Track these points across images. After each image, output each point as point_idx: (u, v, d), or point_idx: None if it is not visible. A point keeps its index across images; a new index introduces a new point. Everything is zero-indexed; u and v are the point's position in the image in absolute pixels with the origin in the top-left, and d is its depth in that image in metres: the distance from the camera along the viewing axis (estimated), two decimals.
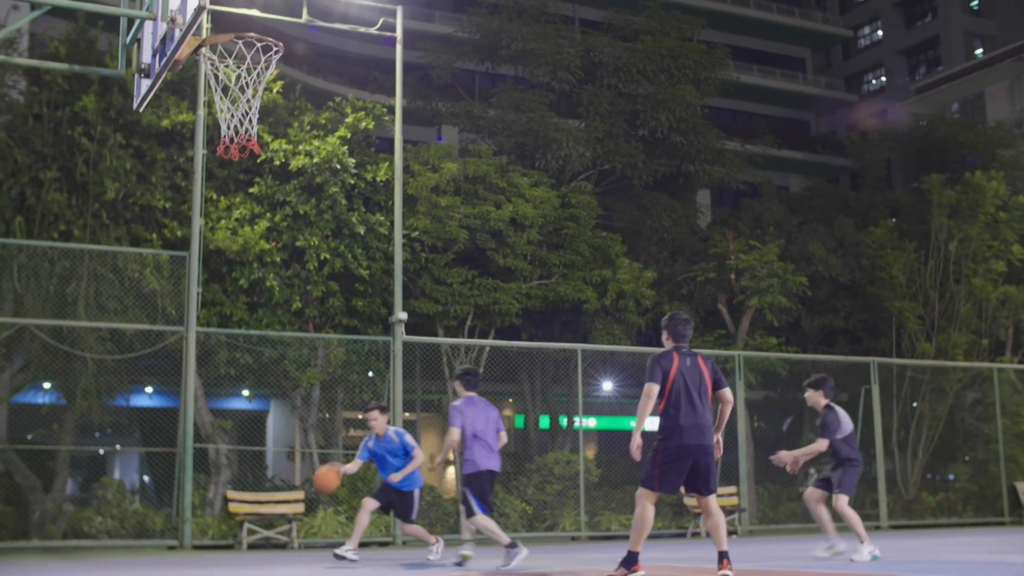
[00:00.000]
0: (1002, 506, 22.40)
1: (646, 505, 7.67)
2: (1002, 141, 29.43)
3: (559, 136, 22.99)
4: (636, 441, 7.55)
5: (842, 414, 10.93)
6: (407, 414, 20.71)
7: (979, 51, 44.29)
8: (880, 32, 48.55)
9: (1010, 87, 37.61)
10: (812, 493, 11.01)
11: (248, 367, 17.40)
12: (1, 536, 15.02)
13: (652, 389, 7.55)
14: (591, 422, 26.56)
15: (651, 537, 19.91)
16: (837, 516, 10.86)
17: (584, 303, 20.74)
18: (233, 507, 16.11)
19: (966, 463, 24.36)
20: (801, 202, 28.88)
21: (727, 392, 7.84)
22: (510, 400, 27.82)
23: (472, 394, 9.93)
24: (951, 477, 24.65)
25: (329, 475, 10.65)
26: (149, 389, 20.14)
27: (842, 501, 10.62)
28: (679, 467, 7.54)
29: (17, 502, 15.74)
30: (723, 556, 7.49)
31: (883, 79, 48.03)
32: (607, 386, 23.75)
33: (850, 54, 49.67)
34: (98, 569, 10.90)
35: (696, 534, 19.14)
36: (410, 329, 17.69)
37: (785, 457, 10.62)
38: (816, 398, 10.84)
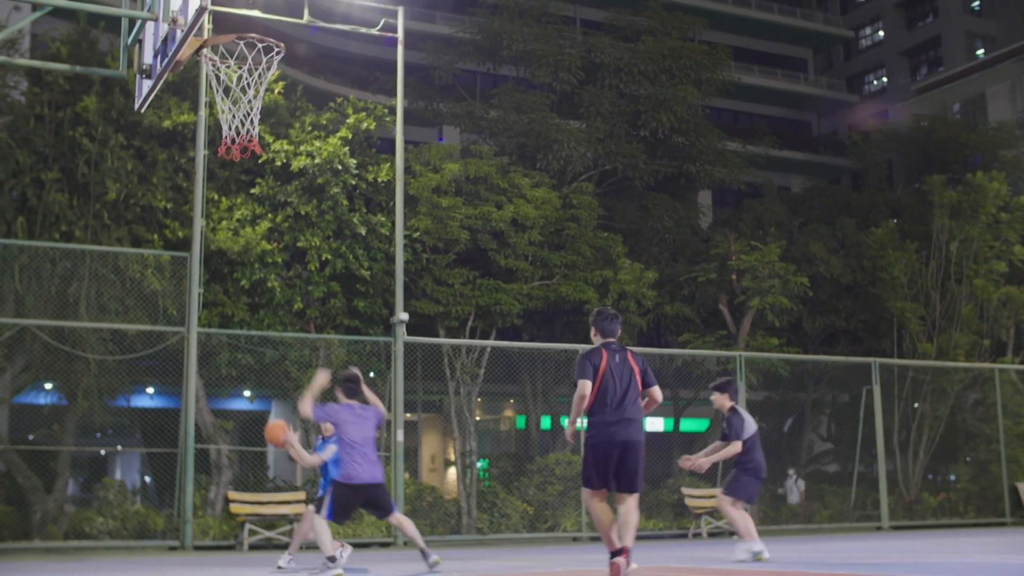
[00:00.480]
0: (1003, 507, 22.39)
1: (594, 505, 7.56)
2: (1003, 142, 29.43)
3: (560, 137, 22.99)
4: (571, 431, 7.77)
5: (747, 417, 10.96)
6: (408, 415, 20.73)
7: (980, 51, 44.28)
8: (881, 32, 48.54)
9: (1011, 87, 37.59)
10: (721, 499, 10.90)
11: (249, 368, 17.40)
12: (3, 537, 15.03)
13: (585, 387, 7.52)
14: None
15: (651, 537, 19.91)
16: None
17: (585, 304, 20.73)
18: (234, 508, 16.12)
19: (967, 464, 24.35)
20: (802, 203, 28.88)
21: (656, 390, 7.79)
22: (511, 401, 27.84)
23: (352, 402, 9.37)
24: (952, 478, 24.64)
25: (276, 428, 10.01)
26: (150, 390, 20.15)
27: (725, 501, 10.60)
28: (607, 462, 7.49)
29: (18, 503, 15.74)
30: (618, 552, 7.36)
31: (884, 79, 48.01)
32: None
33: (851, 54, 49.66)
34: (99, 570, 10.91)
35: (697, 535, 19.14)
36: (411, 330, 17.69)
37: (685, 464, 10.59)
38: (722, 401, 10.91)
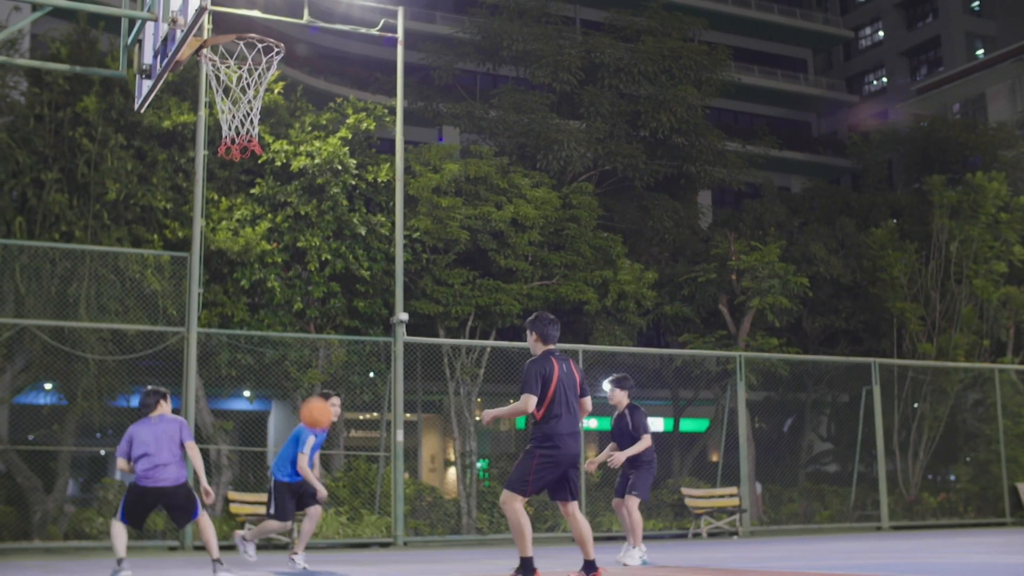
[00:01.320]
0: (1003, 507, 22.39)
1: (518, 509, 7.33)
2: (1003, 142, 29.43)
3: (560, 137, 22.99)
4: (490, 415, 7.53)
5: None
6: (408, 415, 20.72)
7: (980, 52, 44.28)
8: (881, 33, 48.54)
9: (1011, 88, 37.59)
10: (618, 501, 10.65)
11: (249, 368, 17.40)
12: (2, 537, 15.03)
13: (530, 402, 7.31)
14: (592, 423, 26.53)
15: (651, 537, 19.85)
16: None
17: (585, 304, 20.74)
18: (234, 508, 16.11)
19: (967, 464, 24.35)
20: (802, 203, 28.88)
21: (589, 401, 7.62)
22: (511, 401, 27.81)
23: (155, 415, 8.92)
24: (952, 478, 24.65)
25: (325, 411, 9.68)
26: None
27: (634, 503, 10.38)
28: (553, 475, 7.34)
29: (18, 503, 15.74)
30: (591, 566, 7.38)
31: (884, 80, 48.02)
32: (608, 387, 23.74)
33: (851, 55, 49.66)
34: (99, 570, 10.91)
35: (697, 535, 19.14)
36: (411, 330, 17.69)
37: (591, 467, 10.42)
38: (620, 397, 10.67)
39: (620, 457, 10.38)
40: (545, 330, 7.54)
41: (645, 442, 10.41)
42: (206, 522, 8.79)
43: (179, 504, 8.78)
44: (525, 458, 7.39)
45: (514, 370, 20.95)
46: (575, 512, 7.47)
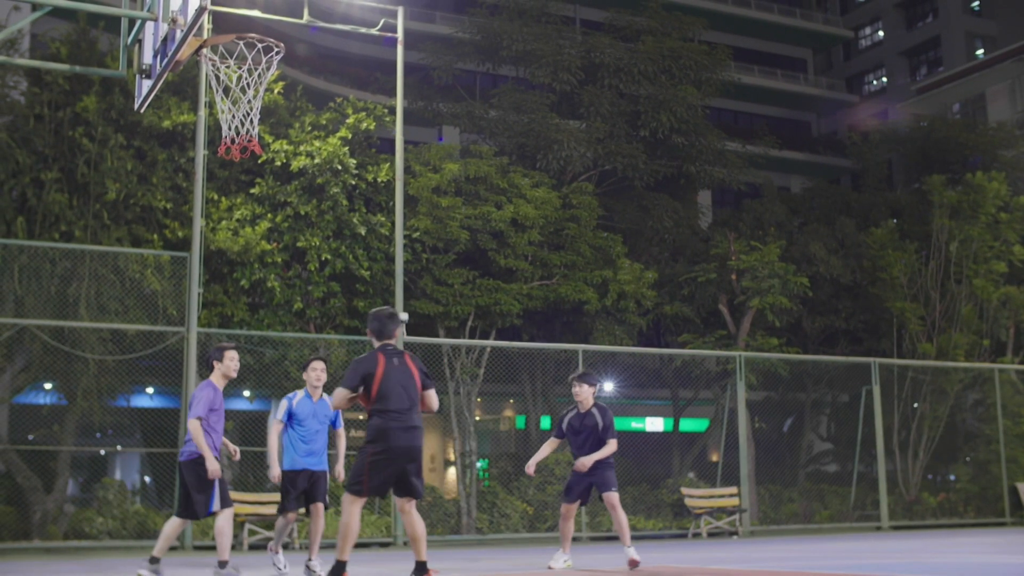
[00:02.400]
0: (1003, 507, 22.40)
1: (353, 512, 7.19)
2: (1003, 142, 29.43)
3: (560, 137, 22.99)
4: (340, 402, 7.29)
5: None
6: None
7: (980, 52, 44.28)
8: (881, 33, 48.55)
9: (1011, 88, 37.60)
10: (570, 507, 10.06)
11: (249, 368, 17.39)
12: (2, 537, 15.03)
13: (340, 395, 7.21)
14: None
15: (651, 537, 19.79)
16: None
17: (585, 304, 20.74)
18: (234, 508, 16.08)
19: (967, 464, 24.36)
20: (802, 203, 28.89)
21: (432, 394, 7.42)
22: (511, 401, 27.84)
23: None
24: (952, 478, 24.65)
25: None
26: (150, 390, 20.15)
27: (616, 498, 9.77)
28: (389, 472, 7.16)
29: (18, 503, 15.74)
30: (422, 567, 7.18)
31: (884, 80, 48.02)
32: (608, 387, 23.75)
33: (851, 55, 49.66)
34: (99, 570, 10.90)
35: (697, 535, 19.14)
36: (411, 330, 17.69)
37: (584, 464, 9.68)
38: (587, 394, 9.83)
39: (587, 462, 9.63)
40: (378, 325, 7.39)
41: (613, 447, 9.69)
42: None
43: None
44: (359, 457, 7.26)
45: (514, 370, 20.97)
46: (411, 511, 7.23)
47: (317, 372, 9.35)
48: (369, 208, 19.38)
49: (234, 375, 8.66)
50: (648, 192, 24.85)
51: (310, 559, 9.28)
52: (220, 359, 8.57)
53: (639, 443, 23.49)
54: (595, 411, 9.78)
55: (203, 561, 12.33)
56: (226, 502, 8.46)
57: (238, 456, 9.15)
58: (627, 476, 22.36)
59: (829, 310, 24.88)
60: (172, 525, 8.47)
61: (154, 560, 8.31)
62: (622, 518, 9.65)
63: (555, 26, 25.99)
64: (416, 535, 7.24)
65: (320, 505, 9.45)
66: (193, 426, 8.32)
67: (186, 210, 17.10)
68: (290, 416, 9.34)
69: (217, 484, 8.37)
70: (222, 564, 8.44)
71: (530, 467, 10.08)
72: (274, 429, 9.41)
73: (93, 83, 16.92)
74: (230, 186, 18.48)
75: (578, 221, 21.14)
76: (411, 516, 7.25)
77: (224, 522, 8.45)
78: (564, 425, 9.96)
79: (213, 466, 8.24)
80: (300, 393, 9.40)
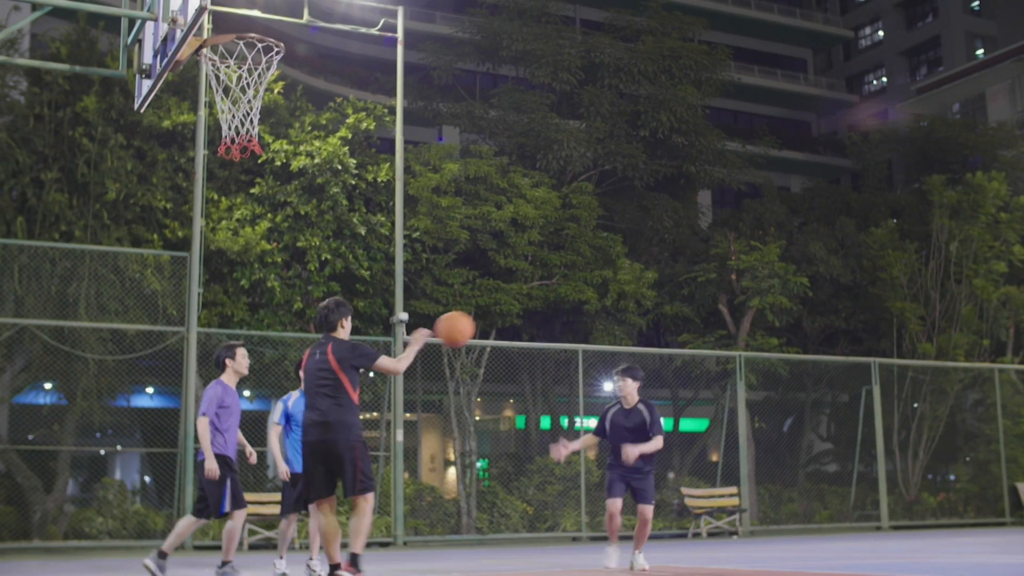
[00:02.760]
0: (1003, 507, 22.40)
1: (318, 515, 7.05)
2: (1003, 142, 29.43)
3: (560, 137, 22.99)
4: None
5: None
6: (408, 414, 20.73)
7: (980, 51, 44.28)
8: (881, 32, 48.54)
9: (1011, 87, 37.59)
10: (616, 503, 9.22)
11: (249, 367, 17.39)
12: (2, 537, 15.03)
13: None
14: (592, 423, 26.50)
15: (651, 537, 19.87)
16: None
17: (585, 304, 20.74)
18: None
19: (967, 464, 24.36)
20: (802, 203, 28.89)
21: (380, 363, 7.10)
22: (511, 400, 27.84)
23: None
24: (952, 478, 24.66)
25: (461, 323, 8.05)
26: (150, 390, 20.15)
27: (651, 511, 9.22)
28: (311, 467, 6.96)
29: (18, 503, 15.75)
30: (353, 558, 6.93)
31: (884, 80, 48.02)
32: (608, 387, 23.75)
33: (851, 55, 49.65)
34: (99, 570, 10.91)
35: (697, 535, 19.14)
36: (411, 329, 17.63)
37: (631, 453, 8.91)
38: (633, 389, 9.19)
39: (634, 451, 8.87)
40: (317, 318, 7.31)
41: (660, 443, 9.09)
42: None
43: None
44: None
45: (514, 370, 20.97)
46: (355, 504, 6.97)
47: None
48: (369, 208, 19.38)
49: (245, 372, 8.66)
50: (648, 192, 24.86)
51: (311, 558, 9.23)
52: (231, 356, 8.57)
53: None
54: (641, 407, 9.19)
55: (203, 561, 12.34)
56: (239, 503, 8.38)
57: (254, 459, 9.15)
58: None
59: (829, 310, 24.88)
60: (185, 523, 8.44)
61: (162, 555, 8.27)
62: (647, 531, 9.20)
63: (555, 26, 25.98)
64: (355, 525, 7.01)
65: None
66: (200, 425, 8.31)
67: (186, 210, 17.10)
68: (287, 417, 9.23)
69: (229, 484, 8.30)
70: (224, 564, 8.40)
71: (560, 453, 9.27)
72: (273, 432, 9.33)
73: (93, 83, 16.92)
74: (230, 186, 18.48)
75: (578, 221, 21.15)
76: (354, 509, 7.01)
77: (235, 523, 8.39)
78: (607, 422, 9.32)
79: (211, 465, 8.18)
80: (295, 394, 9.30)
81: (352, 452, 6.88)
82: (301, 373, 8.92)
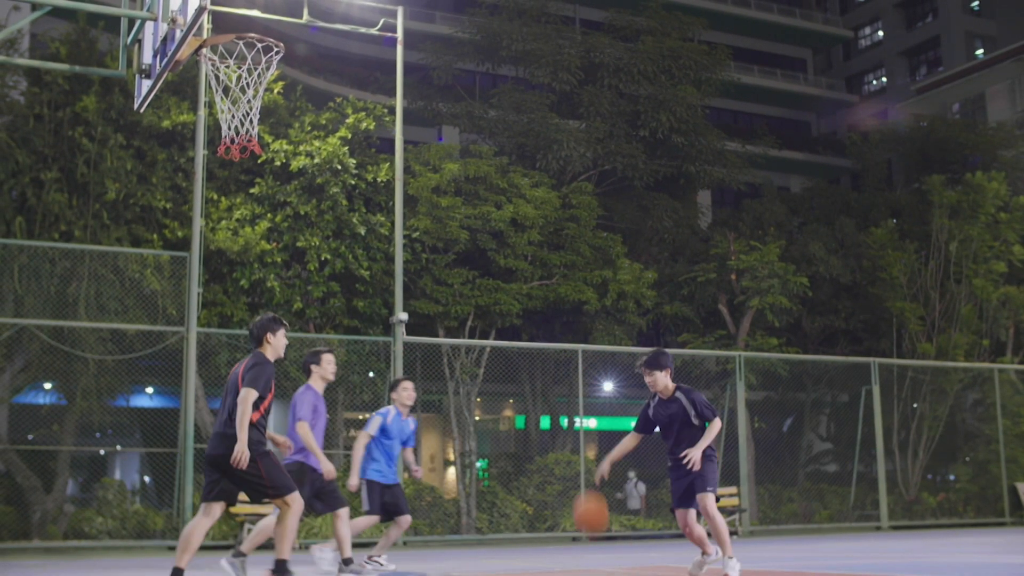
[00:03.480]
0: (1003, 507, 22.40)
1: (197, 518, 7.27)
2: (1003, 142, 29.44)
3: (560, 137, 22.99)
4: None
5: None
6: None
7: (980, 51, 44.29)
8: (881, 33, 48.56)
9: (1011, 87, 37.60)
10: (682, 512, 8.07)
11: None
12: (2, 536, 15.03)
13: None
14: (592, 423, 26.54)
15: (651, 537, 19.78)
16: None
17: (585, 304, 20.73)
18: (234, 508, 16.06)
19: (967, 464, 24.36)
20: (802, 203, 28.89)
21: (243, 392, 7.12)
22: (511, 400, 27.84)
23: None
24: (952, 478, 24.66)
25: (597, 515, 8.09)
26: (150, 389, 20.16)
27: (711, 500, 7.91)
28: (208, 476, 7.26)
29: (18, 502, 15.74)
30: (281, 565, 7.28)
31: (884, 80, 48.03)
32: (608, 387, 23.75)
33: (851, 55, 49.67)
34: (99, 569, 10.91)
35: None
36: (411, 330, 17.69)
37: (694, 459, 7.74)
38: (663, 379, 8.04)
39: (698, 453, 7.72)
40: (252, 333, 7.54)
41: (718, 424, 7.91)
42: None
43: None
44: None
45: (514, 370, 20.97)
46: (277, 512, 7.27)
47: (408, 391, 9.88)
48: (369, 208, 19.38)
49: (332, 377, 8.85)
50: (648, 192, 24.85)
51: (377, 555, 9.59)
52: (317, 363, 8.79)
53: (639, 443, 23.43)
54: (681, 396, 7.99)
55: (203, 561, 12.33)
56: (313, 508, 8.51)
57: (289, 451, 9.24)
58: (626, 476, 22.38)
59: (829, 310, 24.88)
60: (342, 524, 8.60)
61: (347, 561, 8.56)
62: (718, 526, 7.75)
63: (555, 26, 25.98)
64: (265, 524, 7.47)
65: (408, 517, 9.65)
66: (303, 430, 8.44)
67: (186, 210, 17.10)
68: (383, 431, 9.65)
69: (308, 489, 8.41)
70: (346, 562, 8.58)
71: (604, 469, 8.15)
72: (362, 439, 9.53)
73: (93, 83, 16.92)
74: (230, 186, 18.48)
75: (578, 221, 21.14)
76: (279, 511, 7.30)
77: (354, 521, 8.68)
78: (650, 413, 8.22)
79: (328, 467, 8.37)
80: (392, 409, 9.77)
81: (233, 463, 7.08)
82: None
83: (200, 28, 8.91)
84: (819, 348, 25.20)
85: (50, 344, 15.54)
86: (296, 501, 7.25)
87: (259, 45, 9.58)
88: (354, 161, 18.73)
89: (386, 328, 18.25)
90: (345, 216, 18.53)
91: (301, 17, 15.91)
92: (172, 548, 15.15)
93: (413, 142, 23.62)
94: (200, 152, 15.82)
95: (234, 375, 7.24)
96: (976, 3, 46.25)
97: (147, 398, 20.36)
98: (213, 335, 16.74)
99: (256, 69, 9.80)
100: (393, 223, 17.76)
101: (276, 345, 7.67)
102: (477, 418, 22.62)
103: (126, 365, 16.35)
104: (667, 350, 8.45)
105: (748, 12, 43.71)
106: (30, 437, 17.67)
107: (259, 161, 17.99)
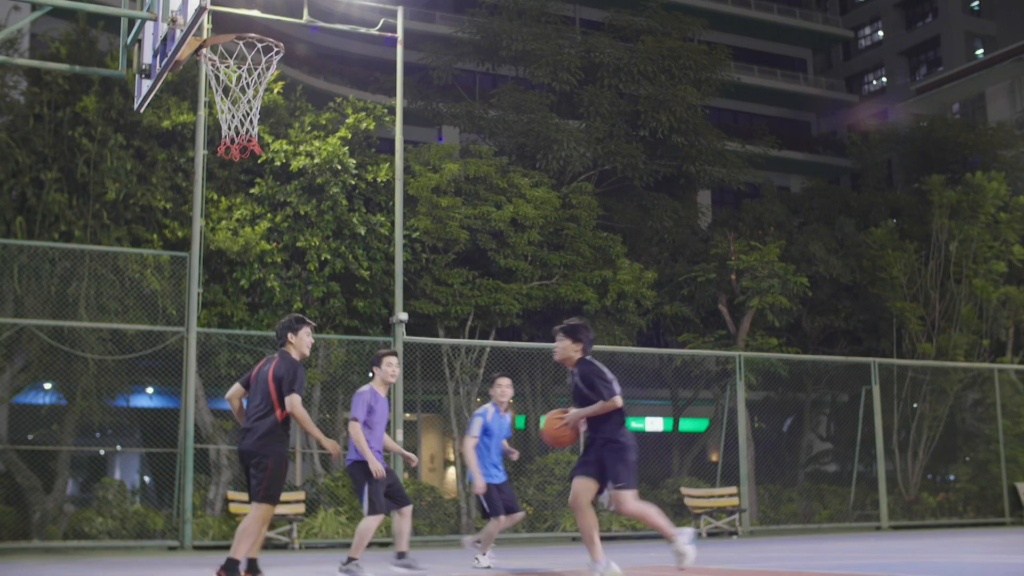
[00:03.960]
0: (1003, 507, 22.40)
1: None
2: (1003, 141, 29.43)
3: (560, 137, 22.99)
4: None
5: None
6: (408, 414, 20.73)
7: (980, 51, 44.30)
8: (881, 32, 48.56)
9: (1011, 87, 37.60)
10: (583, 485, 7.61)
11: (249, 367, 17.34)
12: (2, 536, 15.02)
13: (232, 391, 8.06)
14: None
15: (651, 537, 19.82)
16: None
17: (585, 304, 20.73)
18: (234, 508, 16.10)
19: (967, 464, 24.35)
20: (802, 203, 28.88)
21: (291, 400, 7.52)
22: (511, 401, 27.82)
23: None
24: (952, 478, 24.65)
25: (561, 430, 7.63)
26: (150, 390, 20.15)
27: (627, 497, 7.74)
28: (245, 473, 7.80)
29: (18, 503, 15.73)
30: (252, 565, 7.67)
31: (884, 80, 48.04)
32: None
33: (851, 55, 49.68)
34: (99, 570, 10.90)
35: (697, 535, 19.12)
36: (411, 330, 17.69)
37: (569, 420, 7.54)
38: (565, 348, 7.60)
39: (572, 418, 7.45)
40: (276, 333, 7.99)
41: (605, 405, 7.36)
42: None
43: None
44: None
45: (514, 370, 20.94)
46: (251, 509, 7.65)
47: (503, 388, 10.09)
48: (369, 208, 19.38)
49: (392, 380, 8.98)
50: (648, 192, 24.85)
51: (482, 553, 10.00)
52: (379, 364, 8.92)
53: (639, 443, 23.46)
54: (575, 368, 7.62)
55: (203, 561, 12.33)
56: (375, 508, 8.60)
57: (415, 462, 9.62)
58: None
59: (829, 310, 24.88)
60: (364, 524, 8.71)
61: (401, 556, 8.96)
62: (650, 518, 7.80)
63: (555, 26, 25.98)
64: (241, 528, 7.57)
65: (521, 513, 10.05)
66: (353, 429, 8.61)
67: (186, 210, 17.09)
68: (484, 430, 9.90)
69: (367, 489, 8.60)
70: (349, 560, 8.72)
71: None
72: (469, 444, 9.84)
73: (93, 83, 16.91)
74: (230, 186, 18.47)
75: (578, 221, 21.15)
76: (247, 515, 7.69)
77: (367, 524, 8.68)
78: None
79: (376, 467, 8.52)
80: (491, 408, 9.97)
81: (261, 462, 7.61)
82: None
83: (200, 28, 8.92)
84: (819, 348, 25.20)
85: (50, 344, 15.54)
86: (270, 514, 7.64)
87: (259, 45, 9.59)
88: (354, 161, 18.73)
89: (386, 328, 18.25)
90: (345, 216, 18.53)
91: (301, 17, 15.91)
92: (172, 548, 15.17)
93: (413, 142, 23.62)
94: (200, 152, 15.81)
95: (263, 373, 7.64)
96: (976, 3, 46.25)
97: (147, 398, 20.36)
98: (213, 335, 16.73)
99: (256, 69, 9.81)
100: (393, 223, 17.76)
101: (299, 344, 7.87)
102: None
103: (126, 365, 16.35)
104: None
105: (748, 12, 43.71)
106: (30, 437, 17.67)
107: (259, 161, 17.99)
